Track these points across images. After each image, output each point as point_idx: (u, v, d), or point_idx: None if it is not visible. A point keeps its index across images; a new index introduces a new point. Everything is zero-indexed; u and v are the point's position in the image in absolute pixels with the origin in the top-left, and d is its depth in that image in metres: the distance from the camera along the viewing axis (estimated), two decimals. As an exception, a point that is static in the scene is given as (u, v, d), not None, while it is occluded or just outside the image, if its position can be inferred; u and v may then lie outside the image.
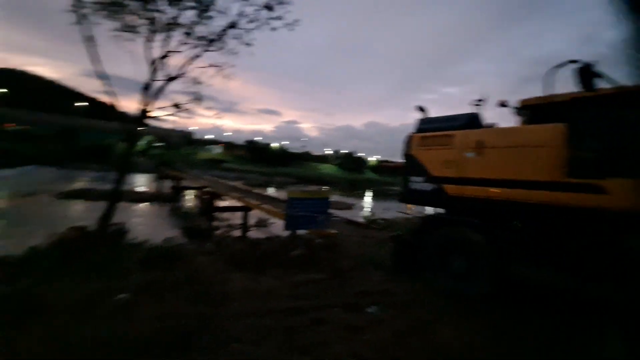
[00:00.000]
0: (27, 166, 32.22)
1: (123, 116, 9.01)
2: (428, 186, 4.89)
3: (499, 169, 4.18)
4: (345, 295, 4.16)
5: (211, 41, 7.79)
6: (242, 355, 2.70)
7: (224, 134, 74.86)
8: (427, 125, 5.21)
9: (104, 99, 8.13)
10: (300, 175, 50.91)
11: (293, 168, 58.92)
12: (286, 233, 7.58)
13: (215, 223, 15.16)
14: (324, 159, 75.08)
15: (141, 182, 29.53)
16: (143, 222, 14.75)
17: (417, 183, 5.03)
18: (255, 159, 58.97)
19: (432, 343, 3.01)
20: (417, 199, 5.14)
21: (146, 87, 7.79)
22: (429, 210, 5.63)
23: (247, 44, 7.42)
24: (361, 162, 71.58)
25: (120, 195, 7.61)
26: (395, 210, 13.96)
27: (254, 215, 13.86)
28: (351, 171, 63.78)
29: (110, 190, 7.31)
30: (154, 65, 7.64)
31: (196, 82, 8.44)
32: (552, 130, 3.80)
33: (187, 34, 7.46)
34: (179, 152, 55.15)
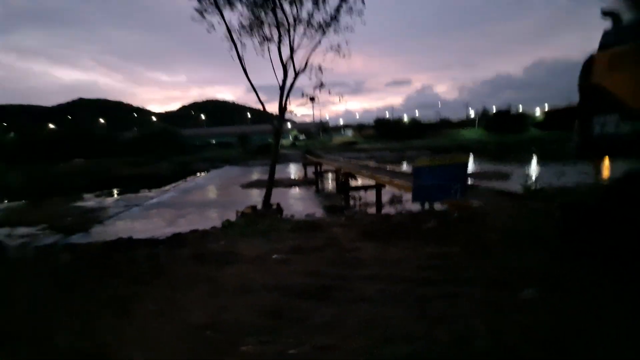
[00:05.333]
0: (223, 167, 44.72)
1: (271, 117, 10.95)
2: (626, 127, 3.33)
3: None
4: (488, 272, 3.53)
5: (329, 23, 8.15)
6: (371, 314, 2.81)
7: (356, 116, 77.83)
8: (623, 36, 3.50)
9: (260, 106, 10.10)
10: (435, 145, 46.46)
11: (428, 140, 54.44)
12: (420, 207, 7.15)
13: (351, 201, 16.29)
14: (467, 123, 65.08)
15: (292, 171, 35.31)
16: (293, 202, 17.69)
17: (607, 125, 3.51)
18: (385, 136, 58.27)
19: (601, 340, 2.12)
20: (606, 149, 3.60)
21: (282, 87, 9.12)
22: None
23: (359, 14, 7.30)
24: (520, 118, 57.20)
25: (273, 182, 9.40)
26: (571, 175, 10.48)
27: (388, 192, 13.86)
28: (504, 132, 52.37)
29: (268, 179, 9.10)
30: (285, 65, 8.79)
31: (320, 70, 9.13)
32: None
33: (308, 23, 8.10)
34: (317, 140, 61.99)
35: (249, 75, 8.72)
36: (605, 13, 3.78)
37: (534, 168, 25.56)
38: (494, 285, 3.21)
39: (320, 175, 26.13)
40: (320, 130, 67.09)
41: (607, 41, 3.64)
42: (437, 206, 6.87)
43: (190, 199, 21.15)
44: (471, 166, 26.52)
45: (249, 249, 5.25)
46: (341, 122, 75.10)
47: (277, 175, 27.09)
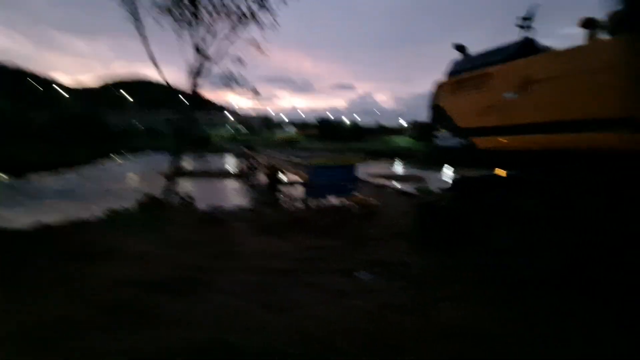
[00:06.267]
0: (150, 156, 40.32)
1: (209, 105, 10.16)
2: (456, 142, 4.03)
3: (553, 107, 3.09)
4: (352, 262, 3.92)
5: (245, 14, 7.97)
6: (218, 305, 2.85)
7: (301, 115, 78.02)
8: (461, 67, 4.21)
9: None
10: (372, 149, 49.55)
11: (365, 143, 57.64)
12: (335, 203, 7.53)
13: (280, 195, 16.33)
14: (399, 131, 70.71)
15: (229, 163, 33.81)
16: (219, 195, 16.95)
17: (444, 139, 4.20)
18: (326, 136, 59.88)
19: (421, 323, 2.54)
20: (445, 158, 4.31)
21: (198, 73, 8.62)
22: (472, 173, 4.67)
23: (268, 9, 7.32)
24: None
25: (181, 170, 8.73)
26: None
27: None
28: (427, 141, 58.27)
29: (174, 166, 8.47)
30: (199, 49, 8.32)
31: (238, 61, 8.89)
32: (617, 45, 2.55)
33: (222, 11, 7.79)
34: (260, 135, 60.51)
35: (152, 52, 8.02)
36: (456, 47, 4.51)
37: (447, 172, 29.08)
38: (348, 273, 3.57)
39: (255, 169, 25.64)
40: (263, 125, 65.69)
41: (451, 70, 4.34)
42: (346, 202, 7.34)
43: (99, 187, 18.62)
44: (400, 169, 28.91)
45: (133, 243, 4.86)
46: (285, 119, 74.64)
47: (211, 167, 25.66)
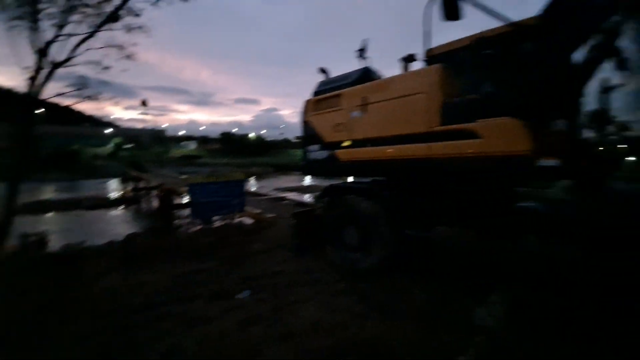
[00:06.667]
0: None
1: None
2: (323, 154, 4.47)
3: (382, 125, 3.79)
4: (225, 283, 3.77)
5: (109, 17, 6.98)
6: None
7: (200, 128, 72.39)
8: (323, 88, 4.73)
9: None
10: (278, 162, 50.12)
11: (271, 157, 57.93)
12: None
13: (176, 220, 14.54)
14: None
15: (106, 187, 28.18)
16: (85, 227, 13.91)
17: (314, 152, 4.60)
18: (231, 151, 57.51)
19: (276, 329, 2.64)
20: (315, 170, 4.72)
21: (43, 77, 6.98)
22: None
23: (137, 14, 6.64)
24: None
25: (14, 207, 6.72)
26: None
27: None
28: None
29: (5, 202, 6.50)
30: (43, 50, 6.79)
31: (100, 66, 7.65)
32: (428, 74, 3.40)
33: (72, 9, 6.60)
34: (149, 151, 53.09)
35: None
36: (320, 69, 5.06)
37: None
38: (218, 295, 3.40)
39: (143, 192, 22.18)
40: (156, 140, 58.15)
41: (316, 90, 4.84)
42: (234, 219, 7.03)
43: None
44: (307, 181, 30.02)
45: None
46: (182, 133, 68.10)
47: (87, 194, 20.71)
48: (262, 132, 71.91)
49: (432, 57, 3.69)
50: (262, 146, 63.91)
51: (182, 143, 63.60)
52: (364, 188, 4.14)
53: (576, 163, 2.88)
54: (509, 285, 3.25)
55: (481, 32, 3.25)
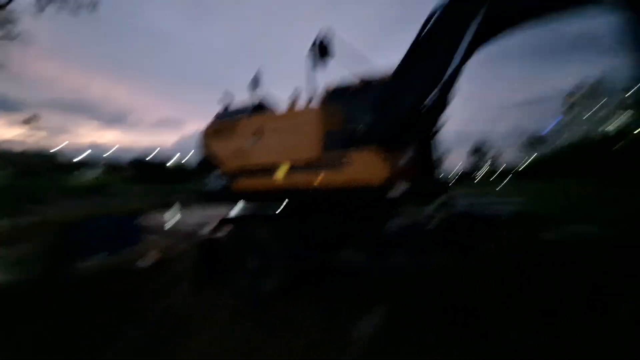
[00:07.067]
0: None
1: None
2: (221, 182, 4.43)
3: (274, 154, 4.00)
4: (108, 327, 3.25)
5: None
6: None
7: (110, 151, 63.37)
8: (224, 114, 4.77)
9: None
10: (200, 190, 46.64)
11: (195, 183, 53.66)
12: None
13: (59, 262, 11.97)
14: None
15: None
16: None
17: (213, 180, 4.52)
18: (146, 178, 51.45)
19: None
20: (214, 197, 4.62)
21: None
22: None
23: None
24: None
25: None
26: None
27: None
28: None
29: None
30: None
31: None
32: (313, 110, 3.79)
33: None
34: (41, 179, 43.63)
35: None
36: (224, 95, 5.10)
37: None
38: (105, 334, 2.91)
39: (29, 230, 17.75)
40: (46, 163, 48.30)
41: (217, 115, 4.85)
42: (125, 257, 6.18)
43: None
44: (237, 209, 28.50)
45: None
46: (84, 157, 58.38)
47: None
48: (189, 155, 66.65)
49: (328, 92, 4.16)
50: (182, 172, 58.99)
51: (85, 169, 54.35)
52: (261, 214, 4.21)
53: (421, 186, 3.50)
54: (391, 296, 3.66)
55: (364, 76, 3.84)
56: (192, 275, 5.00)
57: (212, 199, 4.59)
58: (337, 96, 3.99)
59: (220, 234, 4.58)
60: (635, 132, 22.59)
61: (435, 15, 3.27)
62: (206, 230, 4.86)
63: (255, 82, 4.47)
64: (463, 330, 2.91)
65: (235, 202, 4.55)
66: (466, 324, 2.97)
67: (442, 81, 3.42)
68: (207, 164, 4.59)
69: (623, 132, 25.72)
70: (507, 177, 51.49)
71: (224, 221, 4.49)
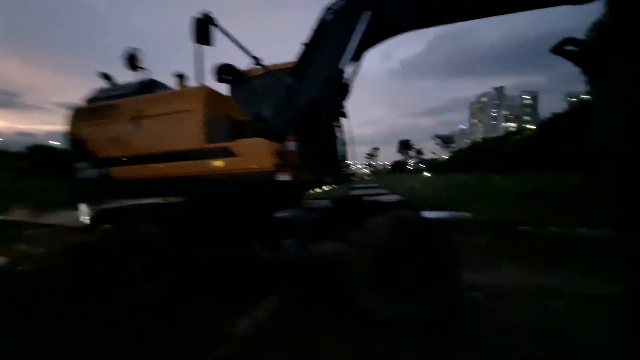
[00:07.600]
0: None
1: None
2: (95, 172, 3.81)
3: (156, 141, 3.58)
4: None
5: None
6: None
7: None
8: (101, 96, 4.11)
9: None
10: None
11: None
12: None
13: None
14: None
15: None
16: None
17: (84, 171, 3.86)
18: (44, 170, 42.89)
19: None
20: (88, 193, 3.97)
21: None
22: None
23: None
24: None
25: None
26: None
27: None
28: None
29: None
30: None
31: None
32: (195, 93, 3.48)
33: None
34: None
35: None
36: (102, 74, 4.39)
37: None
38: None
39: None
40: None
41: (91, 97, 4.16)
42: None
43: None
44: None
45: None
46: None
47: None
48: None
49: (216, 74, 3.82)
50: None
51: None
52: (148, 210, 3.77)
53: (303, 177, 3.51)
54: (278, 291, 3.66)
55: (267, 66, 3.67)
56: (65, 282, 4.26)
57: (85, 193, 3.92)
58: (226, 81, 3.74)
59: (97, 233, 3.96)
60: (520, 136, 27.67)
61: (325, 21, 3.54)
62: (81, 228, 4.16)
63: (131, 61, 3.92)
64: (342, 317, 3.03)
65: (114, 197, 3.96)
66: (343, 309, 3.10)
67: (334, 78, 3.52)
68: (76, 150, 3.88)
69: (512, 135, 31.25)
70: (424, 171, 58.98)
71: (101, 218, 3.89)
